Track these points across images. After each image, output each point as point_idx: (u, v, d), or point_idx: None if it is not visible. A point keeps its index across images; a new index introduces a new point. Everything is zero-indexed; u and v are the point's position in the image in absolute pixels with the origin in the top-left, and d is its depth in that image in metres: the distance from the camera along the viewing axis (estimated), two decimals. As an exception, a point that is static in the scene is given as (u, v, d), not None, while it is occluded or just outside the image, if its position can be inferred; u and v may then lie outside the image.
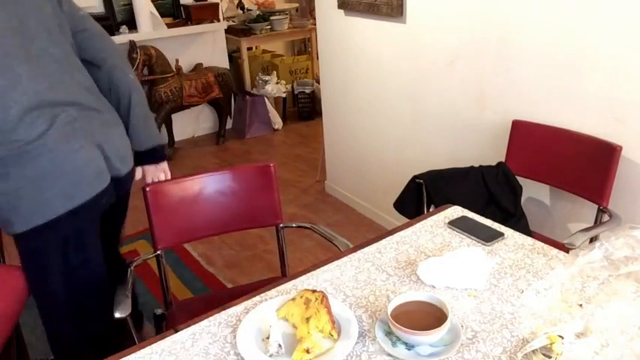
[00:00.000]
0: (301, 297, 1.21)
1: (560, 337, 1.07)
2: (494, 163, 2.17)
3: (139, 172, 1.82)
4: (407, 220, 1.76)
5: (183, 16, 4.46)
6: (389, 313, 1.12)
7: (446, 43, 2.41)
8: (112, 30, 4.03)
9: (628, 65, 1.80)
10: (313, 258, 2.87)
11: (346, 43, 3.01)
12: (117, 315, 1.48)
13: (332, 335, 1.14)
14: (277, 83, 4.95)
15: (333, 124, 3.39)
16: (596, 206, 1.92)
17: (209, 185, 1.83)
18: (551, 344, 1.06)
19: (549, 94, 2.06)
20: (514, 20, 2.09)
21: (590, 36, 1.87)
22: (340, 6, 2.92)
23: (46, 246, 1.54)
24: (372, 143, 3.08)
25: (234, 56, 5.08)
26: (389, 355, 1.10)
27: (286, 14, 5.04)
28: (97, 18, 4.09)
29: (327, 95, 3.36)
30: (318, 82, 4.90)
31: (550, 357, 1.04)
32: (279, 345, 1.13)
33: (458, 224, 1.57)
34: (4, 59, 1.39)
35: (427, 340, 1.09)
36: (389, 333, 1.14)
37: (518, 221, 2.03)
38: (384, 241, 1.53)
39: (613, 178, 1.86)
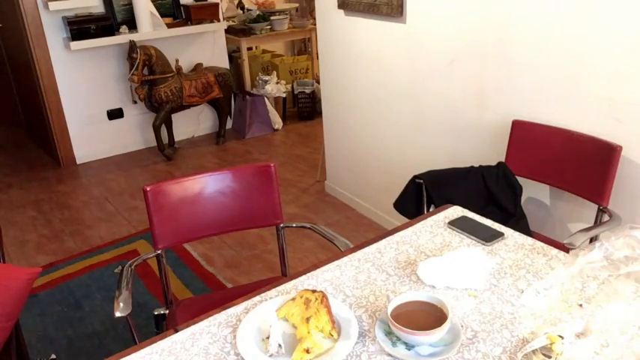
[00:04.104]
0: (301, 297, 1.21)
1: (560, 337, 1.07)
2: (494, 163, 2.17)
3: None
4: (407, 220, 1.76)
5: (183, 16, 4.46)
6: (389, 313, 1.12)
7: (446, 43, 2.41)
8: (112, 30, 4.04)
9: (628, 65, 1.80)
10: (313, 258, 2.87)
11: (346, 43, 3.02)
12: (117, 314, 1.48)
13: (332, 335, 1.14)
14: (277, 83, 4.95)
15: (333, 124, 3.39)
16: (596, 206, 1.92)
17: (209, 185, 1.83)
18: (551, 344, 1.06)
19: (549, 94, 2.06)
20: (514, 20, 2.09)
21: (590, 36, 1.87)
22: (340, 6, 2.92)
23: None
24: (372, 143, 3.08)
25: (234, 56, 5.08)
26: (389, 355, 1.10)
27: (286, 14, 5.04)
28: (97, 18, 4.13)
29: (327, 95, 3.36)
30: (318, 82, 4.91)
31: (550, 357, 1.04)
32: (279, 345, 1.13)
33: (458, 224, 1.57)
34: None
35: (427, 340, 1.09)
36: (389, 333, 1.14)
37: (518, 221, 2.03)
38: (384, 241, 1.53)
39: (613, 178, 1.86)
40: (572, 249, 1.63)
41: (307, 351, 1.09)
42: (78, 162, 4.40)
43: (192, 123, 4.83)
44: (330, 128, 3.44)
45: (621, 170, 1.87)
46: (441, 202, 1.95)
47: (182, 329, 1.23)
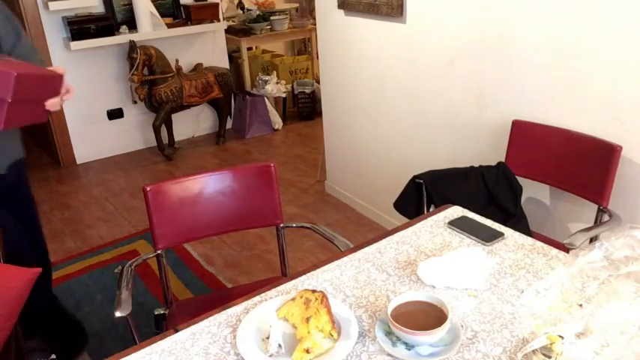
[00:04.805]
0: (301, 297, 1.21)
1: (560, 337, 1.07)
2: (494, 163, 2.17)
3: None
4: (407, 220, 1.76)
5: (183, 16, 4.46)
6: (389, 313, 1.12)
7: (446, 43, 2.41)
8: (112, 30, 4.04)
9: (628, 65, 1.80)
10: (313, 258, 2.87)
11: (346, 43, 3.02)
12: (117, 314, 1.48)
13: (332, 335, 1.14)
14: (277, 83, 4.95)
15: (333, 124, 3.39)
16: (596, 206, 1.92)
17: (209, 185, 1.83)
18: (551, 344, 1.06)
19: (549, 94, 2.06)
20: (514, 20, 2.09)
21: (591, 36, 1.87)
22: (340, 6, 2.92)
23: None
24: (372, 143, 3.08)
25: (234, 56, 5.08)
26: (389, 355, 1.10)
27: (286, 14, 5.04)
28: (97, 18, 4.11)
29: (327, 95, 3.36)
30: (318, 82, 4.91)
31: (550, 357, 1.04)
32: (279, 345, 1.13)
33: (458, 224, 1.57)
34: None
35: (427, 340, 1.09)
36: (389, 333, 1.14)
37: (518, 221, 2.03)
38: (384, 241, 1.53)
39: (613, 178, 1.86)
40: (572, 249, 1.63)
41: (307, 351, 1.09)
42: (78, 162, 4.40)
43: (192, 123, 4.82)
44: (330, 128, 3.44)
45: (621, 170, 1.87)
46: (440, 202, 1.95)
47: (182, 329, 1.23)
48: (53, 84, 1.62)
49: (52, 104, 1.63)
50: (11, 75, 1.41)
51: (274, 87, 4.89)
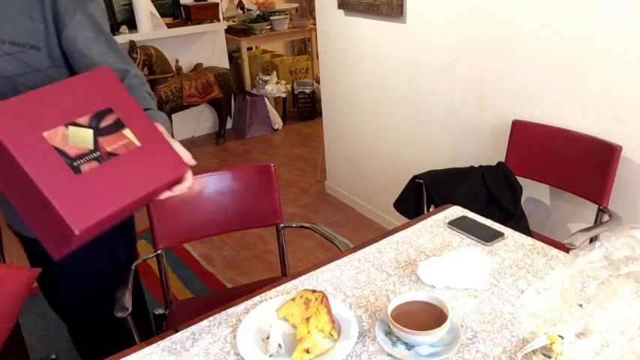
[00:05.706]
0: (301, 297, 1.21)
1: (560, 337, 1.07)
2: (494, 163, 2.17)
3: None
4: (407, 220, 1.76)
5: (183, 16, 4.46)
6: (389, 313, 1.12)
7: (446, 43, 2.41)
8: (112, 30, 4.04)
9: (628, 65, 1.80)
10: (313, 258, 2.87)
11: (346, 43, 3.02)
12: (117, 314, 1.49)
13: (332, 335, 1.14)
14: (277, 83, 4.95)
15: (333, 124, 3.39)
16: (596, 206, 1.92)
17: (209, 185, 1.83)
18: (551, 344, 1.06)
19: (549, 94, 2.06)
20: (514, 20, 2.09)
21: (591, 36, 1.87)
22: (340, 6, 2.92)
23: None
24: (372, 143, 3.08)
25: (234, 56, 5.08)
26: (389, 355, 1.10)
27: (286, 14, 5.04)
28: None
29: (327, 95, 3.36)
30: (318, 82, 4.91)
31: (550, 357, 1.04)
32: (279, 345, 1.13)
33: (458, 224, 1.57)
34: None
35: (427, 340, 1.09)
36: (389, 333, 1.14)
37: (518, 221, 2.03)
38: (384, 241, 1.53)
39: (613, 178, 1.86)
40: (572, 249, 1.63)
41: (307, 351, 1.09)
42: (78, 162, 4.39)
43: (192, 123, 4.82)
44: (330, 128, 3.44)
45: (621, 170, 1.87)
46: (441, 202, 1.95)
47: (182, 329, 1.23)
48: (163, 187, 1.12)
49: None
50: (72, 233, 0.92)
51: (274, 87, 4.90)
